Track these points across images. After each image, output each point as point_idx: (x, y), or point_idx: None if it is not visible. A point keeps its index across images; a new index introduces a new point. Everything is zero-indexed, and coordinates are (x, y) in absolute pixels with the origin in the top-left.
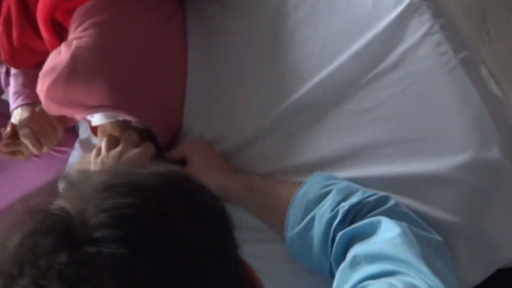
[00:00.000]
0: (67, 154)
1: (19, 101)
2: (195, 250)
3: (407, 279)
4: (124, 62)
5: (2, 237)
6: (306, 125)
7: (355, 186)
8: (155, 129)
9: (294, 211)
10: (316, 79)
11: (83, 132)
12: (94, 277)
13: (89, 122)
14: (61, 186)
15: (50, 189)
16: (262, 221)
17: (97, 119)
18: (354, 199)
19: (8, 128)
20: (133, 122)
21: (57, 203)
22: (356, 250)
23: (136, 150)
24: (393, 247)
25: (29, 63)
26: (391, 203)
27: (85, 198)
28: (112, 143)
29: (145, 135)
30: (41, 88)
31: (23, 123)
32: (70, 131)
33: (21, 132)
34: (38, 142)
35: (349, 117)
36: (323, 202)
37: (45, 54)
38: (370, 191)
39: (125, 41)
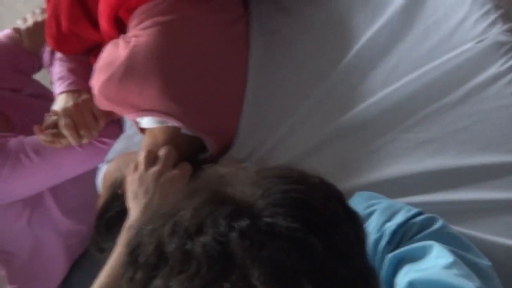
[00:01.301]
0: (110, 145)
1: (64, 86)
2: (349, 241)
3: None
4: (182, 67)
5: (173, 207)
6: (359, 145)
7: (398, 204)
8: (206, 138)
9: None
10: (376, 98)
11: (130, 128)
12: (272, 243)
13: (136, 121)
14: (100, 177)
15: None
16: None
17: (146, 122)
18: (399, 218)
19: (52, 117)
20: (182, 129)
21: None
22: (410, 275)
23: (176, 172)
24: (454, 278)
25: (76, 49)
26: (438, 224)
27: (252, 183)
28: (151, 159)
29: (194, 143)
30: (96, 82)
31: (65, 112)
32: (115, 122)
33: (62, 122)
34: (78, 134)
35: (407, 145)
36: (368, 223)
37: (94, 43)
38: (414, 210)
39: (185, 44)
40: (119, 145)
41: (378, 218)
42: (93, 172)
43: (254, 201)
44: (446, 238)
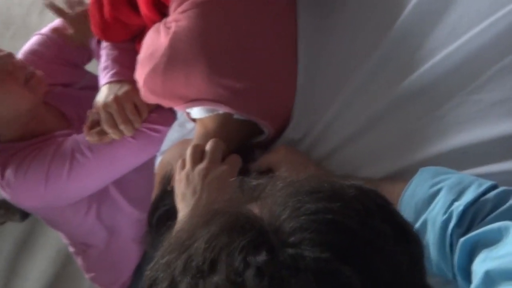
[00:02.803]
0: (164, 133)
1: (107, 77)
2: (396, 266)
3: None
4: (226, 49)
5: (189, 235)
6: (422, 113)
7: (468, 178)
8: (261, 122)
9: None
10: (438, 58)
11: (182, 115)
12: (295, 279)
13: (187, 112)
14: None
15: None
16: None
17: (196, 112)
18: (468, 196)
19: (94, 114)
20: (235, 114)
21: (246, 207)
22: (487, 264)
23: (224, 168)
24: None
25: (121, 36)
26: None
27: (280, 201)
28: (197, 155)
29: (248, 128)
30: (140, 76)
31: (105, 107)
32: (168, 109)
33: (103, 118)
34: (118, 130)
35: (478, 107)
36: (434, 203)
37: (138, 28)
38: (486, 183)
39: (228, 24)
40: (173, 134)
41: (446, 197)
42: (154, 160)
43: (280, 224)
44: None
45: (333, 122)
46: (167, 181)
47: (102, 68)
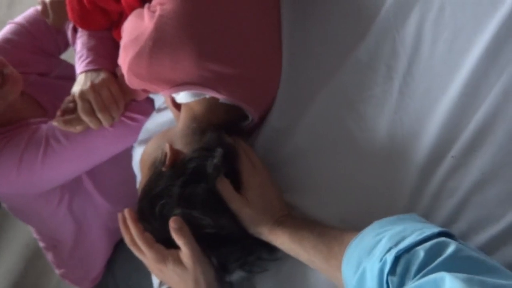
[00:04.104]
0: (141, 123)
1: (83, 66)
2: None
3: None
4: (214, 33)
5: None
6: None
7: (414, 227)
8: (246, 107)
9: (347, 265)
10: None
11: (159, 101)
12: None
13: (171, 97)
14: (136, 160)
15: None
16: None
17: (182, 96)
18: (404, 244)
19: (70, 104)
20: (221, 99)
21: None
22: None
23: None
24: None
25: (99, 25)
26: (451, 248)
27: None
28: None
29: (233, 112)
30: (123, 61)
31: (82, 95)
32: (147, 99)
33: (80, 106)
34: (96, 118)
35: None
36: (374, 251)
37: (116, 16)
38: (430, 231)
39: (215, 9)
40: (150, 124)
41: (384, 245)
42: (129, 153)
43: None
44: (462, 264)
45: (317, 115)
46: (161, 163)
47: (78, 57)
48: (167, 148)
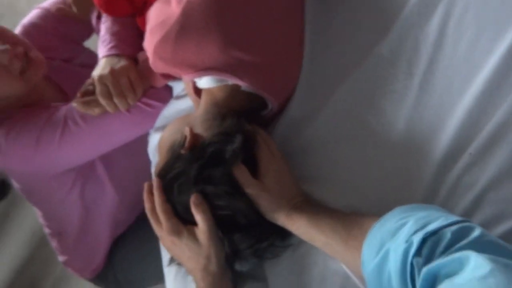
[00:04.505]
0: (159, 110)
1: (105, 50)
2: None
3: None
4: (240, 21)
5: None
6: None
7: (438, 214)
8: (266, 95)
9: (369, 247)
10: None
11: (177, 88)
12: None
13: (193, 82)
14: (152, 145)
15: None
16: (334, 257)
17: (204, 82)
18: (431, 227)
19: (90, 87)
20: (242, 86)
21: None
22: None
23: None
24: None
25: (123, 11)
26: (476, 233)
27: None
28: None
29: (254, 100)
30: (149, 44)
31: (101, 79)
32: (165, 86)
33: (98, 89)
34: (113, 103)
35: None
36: (398, 234)
37: (142, 3)
38: (454, 218)
39: None
40: (168, 111)
41: (410, 228)
42: (144, 144)
43: None
44: (486, 247)
45: (336, 109)
46: (179, 146)
47: (101, 41)
48: (187, 131)
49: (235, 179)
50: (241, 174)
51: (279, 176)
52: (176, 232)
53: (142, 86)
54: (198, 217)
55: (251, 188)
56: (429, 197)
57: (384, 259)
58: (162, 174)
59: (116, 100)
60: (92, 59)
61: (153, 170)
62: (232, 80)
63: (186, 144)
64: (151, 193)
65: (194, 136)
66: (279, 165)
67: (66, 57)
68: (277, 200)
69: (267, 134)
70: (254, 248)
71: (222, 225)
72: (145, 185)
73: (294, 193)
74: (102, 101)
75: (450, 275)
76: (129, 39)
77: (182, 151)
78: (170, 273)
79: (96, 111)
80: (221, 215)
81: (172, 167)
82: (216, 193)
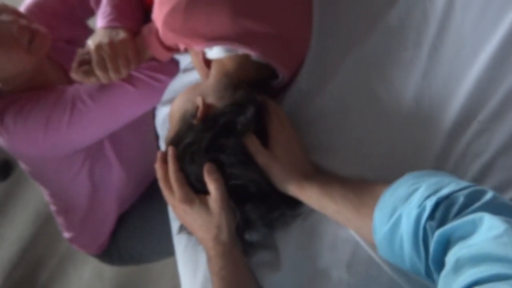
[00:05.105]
0: (165, 84)
1: (105, 22)
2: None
3: None
4: None
5: None
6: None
7: (449, 179)
8: (277, 65)
9: (380, 213)
10: None
11: (185, 61)
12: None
13: (202, 53)
14: (160, 118)
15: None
16: (345, 225)
17: (215, 52)
18: (444, 191)
19: (86, 56)
20: (253, 56)
21: None
22: (459, 252)
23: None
24: (502, 247)
25: None
26: (488, 196)
27: None
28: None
29: (264, 70)
30: (158, 15)
31: (98, 50)
32: (171, 60)
33: (95, 59)
34: (108, 74)
35: None
36: (411, 198)
37: None
38: (465, 183)
39: None
40: (176, 85)
41: (422, 193)
42: (148, 121)
43: None
44: (500, 209)
45: (344, 81)
46: (191, 115)
47: (101, 12)
48: (199, 101)
49: (247, 149)
50: (252, 143)
51: (289, 146)
52: (188, 201)
53: (138, 62)
54: (211, 185)
55: (261, 157)
56: (438, 165)
57: (397, 224)
58: (174, 143)
59: (111, 74)
60: None
61: (161, 143)
62: (242, 50)
63: (199, 114)
64: (164, 161)
65: (207, 106)
66: (289, 135)
67: (69, 38)
68: (287, 169)
69: (278, 104)
70: (265, 218)
71: (234, 195)
72: (158, 153)
73: (304, 162)
74: (98, 72)
75: (463, 237)
76: (130, 12)
77: (194, 122)
78: (180, 244)
79: (92, 80)
80: (233, 184)
81: (184, 136)
82: (228, 162)
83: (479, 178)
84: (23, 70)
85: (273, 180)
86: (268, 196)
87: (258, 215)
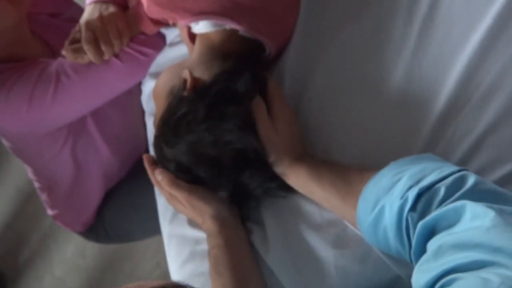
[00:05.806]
0: (152, 57)
1: None
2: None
3: (505, 272)
4: None
5: None
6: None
7: (434, 165)
8: (264, 39)
9: (364, 203)
10: None
11: (171, 35)
12: None
13: (187, 27)
14: (146, 93)
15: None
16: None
17: (201, 26)
18: (425, 181)
19: (77, 34)
20: (240, 31)
21: None
22: (442, 239)
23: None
24: (485, 233)
25: None
26: (470, 182)
27: None
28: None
29: (251, 45)
30: None
31: (88, 25)
32: (157, 33)
33: (84, 35)
34: (99, 50)
35: None
36: (393, 189)
37: None
38: (449, 169)
39: None
40: (162, 59)
41: (404, 184)
42: (132, 96)
43: None
44: (482, 195)
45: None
46: (181, 89)
47: None
48: (186, 74)
49: (248, 116)
50: (260, 110)
51: (290, 124)
52: (177, 202)
53: (129, 34)
54: (176, 194)
55: (264, 127)
56: (428, 146)
57: (380, 215)
58: (166, 117)
59: (103, 47)
60: (80, 14)
61: (147, 118)
62: (229, 24)
63: (188, 86)
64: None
65: (195, 78)
66: (291, 114)
67: (52, 12)
68: (285, 146)
69: (276, 82)
70: (264, 186)
71: (233, 161)
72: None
73: (300, 144)
74: (86, 47)
75: (447, 227)
76: None
77: (185, 93)
78: (165, 219)
79: (85, 58)
80: (232, 149)
81: (176, 109)
82: (227, 128)
83: (468, 156)
84: (3, 25)
85: (268, 154)
86: (266, 165)
87: (257, 183)
